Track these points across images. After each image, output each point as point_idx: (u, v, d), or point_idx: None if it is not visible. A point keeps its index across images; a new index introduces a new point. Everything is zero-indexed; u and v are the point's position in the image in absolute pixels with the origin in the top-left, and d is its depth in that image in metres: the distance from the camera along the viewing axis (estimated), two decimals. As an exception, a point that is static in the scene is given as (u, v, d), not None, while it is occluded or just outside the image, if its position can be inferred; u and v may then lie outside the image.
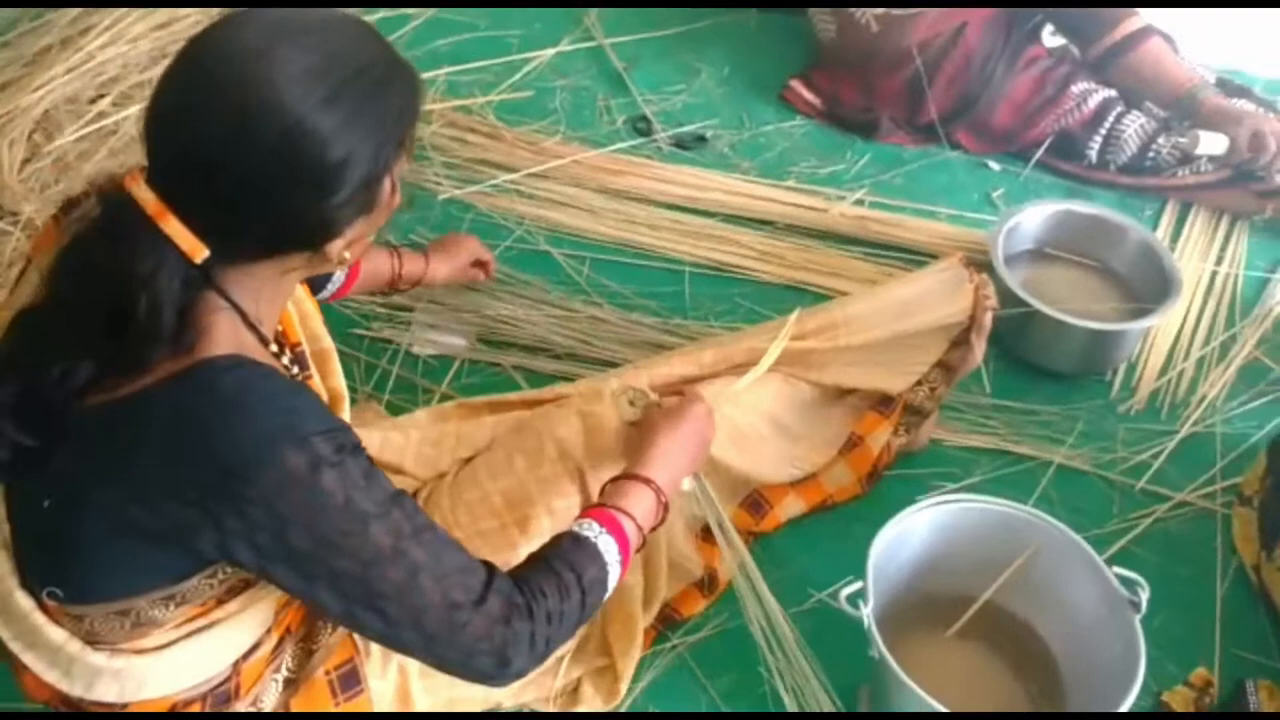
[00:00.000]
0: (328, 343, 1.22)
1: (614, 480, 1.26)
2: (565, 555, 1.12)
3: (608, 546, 1.15)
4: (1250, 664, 1.53)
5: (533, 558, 1.14)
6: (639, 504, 1.22)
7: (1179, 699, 1.48)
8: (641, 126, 2.38)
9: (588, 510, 1.21)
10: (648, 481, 1.24)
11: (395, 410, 1.73)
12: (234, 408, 0.93)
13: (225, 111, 0.92)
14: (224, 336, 0.97)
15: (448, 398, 1.79)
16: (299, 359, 1.16)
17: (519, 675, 1.08)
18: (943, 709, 1.21)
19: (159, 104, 0.95)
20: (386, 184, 1.02)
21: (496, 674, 1.07)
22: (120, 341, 0.93)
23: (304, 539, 0.95)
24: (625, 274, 2.05)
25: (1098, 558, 1.34)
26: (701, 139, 2.35)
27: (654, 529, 1.25)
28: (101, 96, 2.25)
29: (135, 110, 2.23)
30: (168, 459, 0.93)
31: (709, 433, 1.37)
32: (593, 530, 1.16)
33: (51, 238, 1.06)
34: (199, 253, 0.94)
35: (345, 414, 1.18)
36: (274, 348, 1.08)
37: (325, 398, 1.16)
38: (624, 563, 1.17)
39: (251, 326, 1.01)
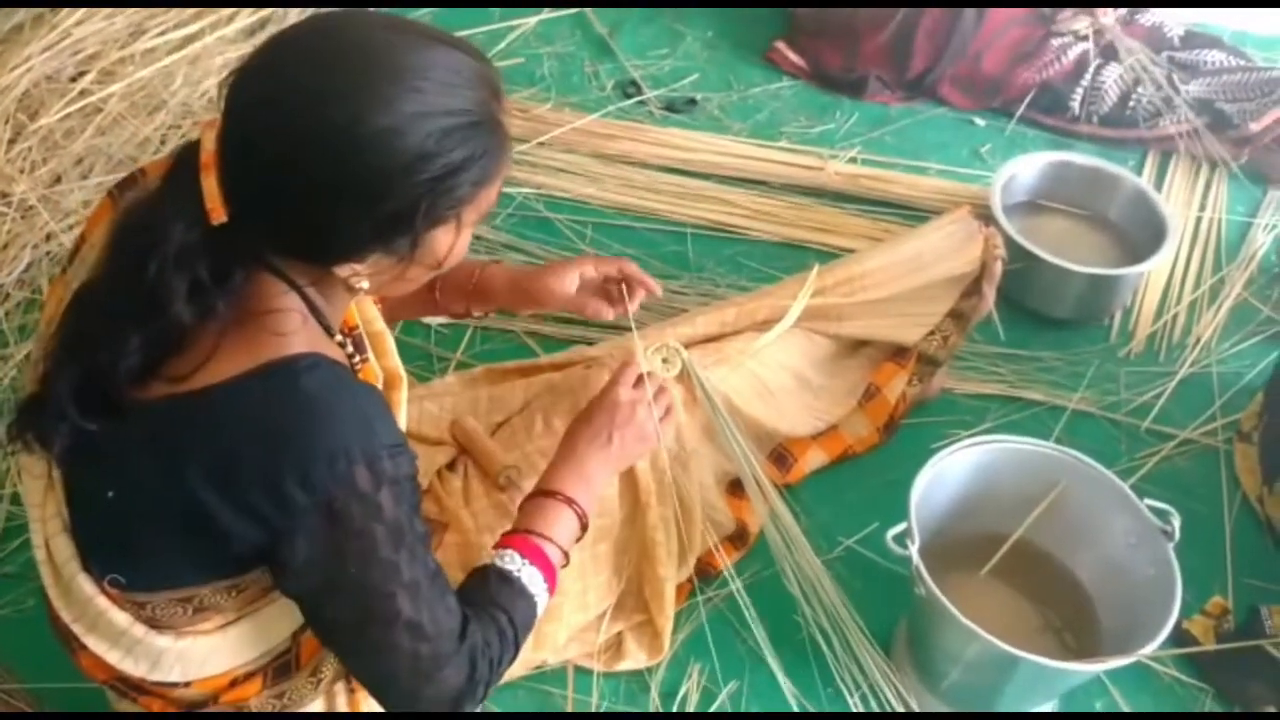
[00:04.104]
0: (381, 325, 1.19)
1: (533, 498, 1.25)
2: (495, 597, 1.12)
3: (532, 579, 1.15)
4: (1261, 590, 1.59)
5: (467, 600, 1.09)
6: (560, 526, 1.22)
7: (1198, 627, 1.54)
8: (631, 91, 2.38)
9: (510, 538, 1.19)
10: (569, 501, 1.23)
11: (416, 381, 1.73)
12: (313, 415, 0.92)
13: (292, 90, 0.90)
14: (299, 331, 0.96)
15: (464, 365, 1.79)
16: (357, 342, 1.14)
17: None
18: (990, 638, 1.24)
19: (245, 70, 0.93)
20: (435, 238, 0.98)
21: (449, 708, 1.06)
22: (152, 311, 0.92)
23: (341, 555, 0.95)
24: (627, 237, 2.06)
25: (1129, 491, 1.38)
26: (692, 102, 2.36)
27: (578, 540, 1.25)
28: (83, 74, 2.20)
29: (119, 88, 2.19)
30: (239, 458, 0.91)
31: (630, 422, 1.32)
32: (515, 564, 1.15)
33: (106, 214, 1.04)
34: (218, 214, 0.92)
35: (404, 393, 1.16)
36: (338, 337, 1.07)
37: (381, 378, 1.15)
38: (550, 590, 1.17)
39: (318, 315, 1.00)
